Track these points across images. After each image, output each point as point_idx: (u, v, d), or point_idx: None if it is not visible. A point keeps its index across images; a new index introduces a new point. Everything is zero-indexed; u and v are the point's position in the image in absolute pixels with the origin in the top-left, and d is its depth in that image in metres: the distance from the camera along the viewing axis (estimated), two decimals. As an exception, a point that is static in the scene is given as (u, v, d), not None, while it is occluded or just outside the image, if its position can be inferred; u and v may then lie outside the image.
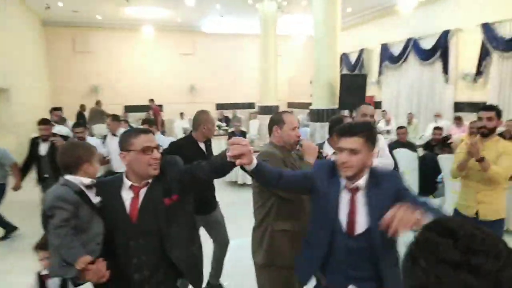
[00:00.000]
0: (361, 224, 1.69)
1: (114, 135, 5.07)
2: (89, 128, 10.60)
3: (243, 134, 9.62)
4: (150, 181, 1.83)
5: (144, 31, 13.56)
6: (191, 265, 1.94)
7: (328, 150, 2.87)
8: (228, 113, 13.43)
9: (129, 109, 13.49)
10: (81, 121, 11.36)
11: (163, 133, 12.32)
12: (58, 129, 6.26)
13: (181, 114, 13.33)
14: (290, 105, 15.33)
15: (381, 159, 3.30)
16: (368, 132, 1.70)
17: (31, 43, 11.21)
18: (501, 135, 5.56)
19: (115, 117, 5.28)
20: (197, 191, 2.97)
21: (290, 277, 2.26)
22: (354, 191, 1.71)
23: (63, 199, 1.73)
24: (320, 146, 2.89)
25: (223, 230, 3.34)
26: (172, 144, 3.10)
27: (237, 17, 13.05)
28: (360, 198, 1.70)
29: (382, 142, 3.38)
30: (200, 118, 3.00)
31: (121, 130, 5.14)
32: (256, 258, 2.37)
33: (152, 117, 11.32)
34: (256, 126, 10.69)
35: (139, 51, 14.03)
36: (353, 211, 1.70)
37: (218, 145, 6.21)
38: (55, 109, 8.88)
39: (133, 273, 1.79)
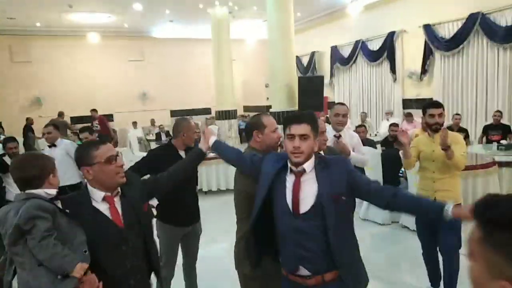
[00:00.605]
0: (307, 204, 1.76)
1: (53, 145, 4.59)
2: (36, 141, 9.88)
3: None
4: (120, 190, 1.85)
5: (89, 38, 12.91)
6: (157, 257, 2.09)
7: None
8: (184, 120, 13.13)
9: (76, 120, 12.73)
10: (30, 134, 10.58)
11: (115, 143, 11.79)
12: None
13: (134, 123, 12.84)
14: (246, 108, 15.35)
15: (358, 154, 3.41)
16: (313, 120, 1.85)
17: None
18: (449, 128, 5.91)
19: (57, 126, 4.85)
20: (181, 200, 2.87)
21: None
22: (299, 174, 1.81)
23: (40, 208, 1.59)
24: None
25: (197, 246, 3.21)
26: (151, 152, 2.93)
27: (188, 22, 12.83)
28: (307, 180, 1.80)
29: (357, 139, 3.55)
30: (180, 126, 2.87)
31: (61, 140, 4.72)
32: (244, 269, 2.23)
33: (98, 127, 10.71)
34: (215, 131, 10.55)
35: (84, 59, 13.31)
36: (297, 192, 1.78)
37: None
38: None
39: (129, 278, 1.80)
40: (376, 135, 8.77)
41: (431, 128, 3.14)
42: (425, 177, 3.17)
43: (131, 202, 1.85)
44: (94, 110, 11.18)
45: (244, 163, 2.10)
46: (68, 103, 12.73)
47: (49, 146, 4.65)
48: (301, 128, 1.78)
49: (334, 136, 3.41)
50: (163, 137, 11.11)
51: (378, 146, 6.68)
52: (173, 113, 14.39)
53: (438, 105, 3.15)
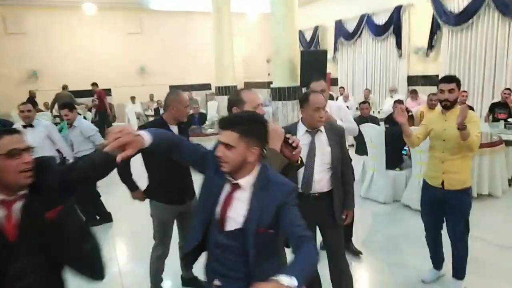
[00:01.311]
0: (234, 222, 1.58)
1: (30, 125, 4.10)
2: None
3: (203, 115, 9.30)
4: (25, 192, 1.52)
5: (85, 9, 12.50)
6: (89, 262, 1.70)
7: (302, 131, 2.65)
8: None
9: (74, 94, 12.51)
10: (37, 107, 10.32)
11: (113, 118, 11.62)
12: None
13: (132, 98, 12.63)
14: (247, 85, 15.06)
15: (345, 123, 3.37)
16: (245, 127, 1.52)
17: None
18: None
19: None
20: (172, 177, 2.71)
21: None
22: (234, 187, 1.60)
23: None
24: (293, 127, 2.67)
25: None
26: (141, 127, 2.75)
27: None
28: (241, 196, 1.59)
29: (345, 110, 3.60)
30: (169, 99, 2.71)
31: (39, 121, 4.25)
32: None
33: (97, 102, 10.54)
34: (215, 107, 10.37)
35: (80, 31, 12.93)
36: (226, 206, 1.60)
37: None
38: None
39: None
40: (379, 112, 8.58)
41: (441, 104, 2.96)
42: (433, 157, 3.01)
43: (35, 210, 1.51)
44: (94, 84, 10.93)
45: (186, 151, 1.73)
46: (65, 76, 12.44)
47: (24, 126, 4.05)
48: (225, 136, 1.54)
49: None
50: (162, 113, 10.93)
51: (382, 123, 6.50)
52: (172, 88, 14.12)
53: (450, 79, 2.92)
